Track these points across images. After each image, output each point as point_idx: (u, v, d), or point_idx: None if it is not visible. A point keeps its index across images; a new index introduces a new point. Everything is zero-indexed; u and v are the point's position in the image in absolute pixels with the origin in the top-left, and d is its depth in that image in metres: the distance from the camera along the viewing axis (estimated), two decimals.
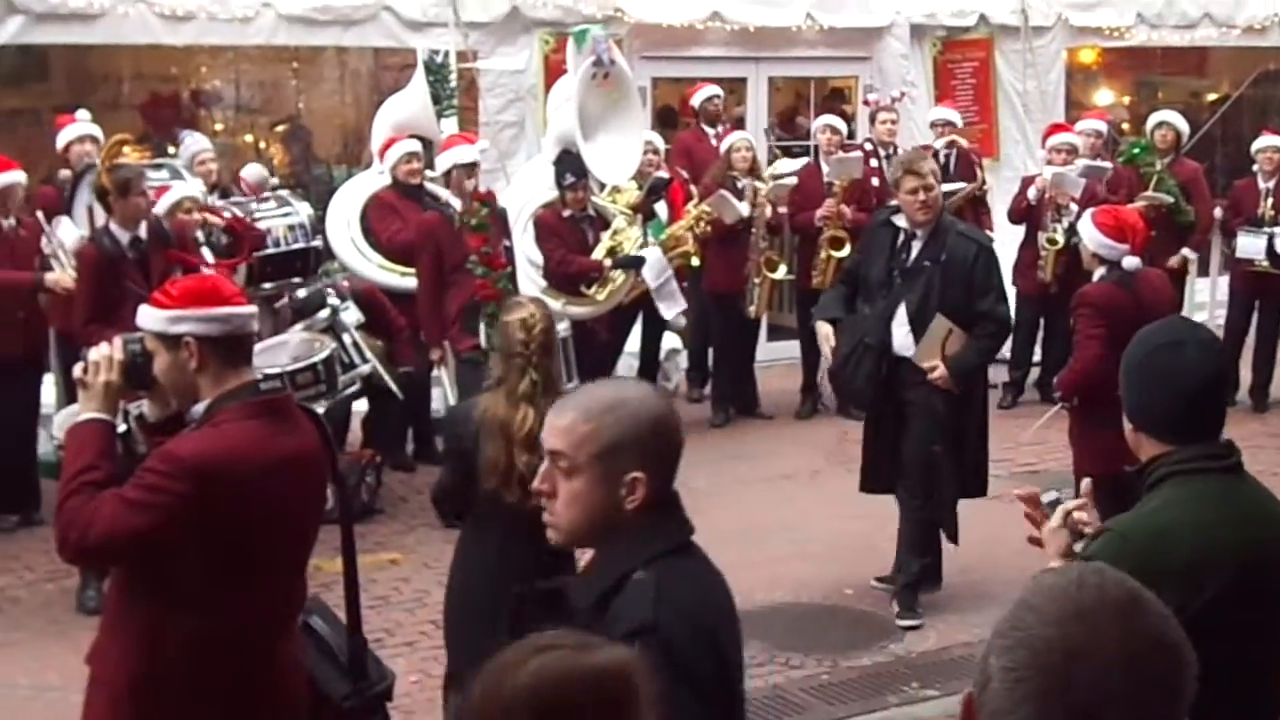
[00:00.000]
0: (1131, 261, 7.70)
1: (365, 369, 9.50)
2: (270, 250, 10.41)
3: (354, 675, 4.62)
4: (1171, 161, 13.04)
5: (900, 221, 8.17)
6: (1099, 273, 7.82)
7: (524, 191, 11.75)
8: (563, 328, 10.53)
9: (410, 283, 10.52)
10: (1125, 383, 3.91)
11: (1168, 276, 9.60)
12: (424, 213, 10.58)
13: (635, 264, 11.29)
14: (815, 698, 7.54)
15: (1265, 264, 12.58)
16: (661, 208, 12.05)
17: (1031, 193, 12.55)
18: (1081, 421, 7.82)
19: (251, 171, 11.47)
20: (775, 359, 13.56)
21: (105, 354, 4.31)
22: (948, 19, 14.86)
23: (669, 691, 2.51)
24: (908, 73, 14.51)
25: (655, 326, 12.32)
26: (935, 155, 11.53)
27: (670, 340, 12.91)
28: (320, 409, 6.48)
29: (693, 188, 12.39)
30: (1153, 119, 13.43)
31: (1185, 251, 13.07)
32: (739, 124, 13.83)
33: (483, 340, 9.71)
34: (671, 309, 11.68)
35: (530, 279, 11.11)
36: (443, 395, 10.77)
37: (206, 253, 9.66)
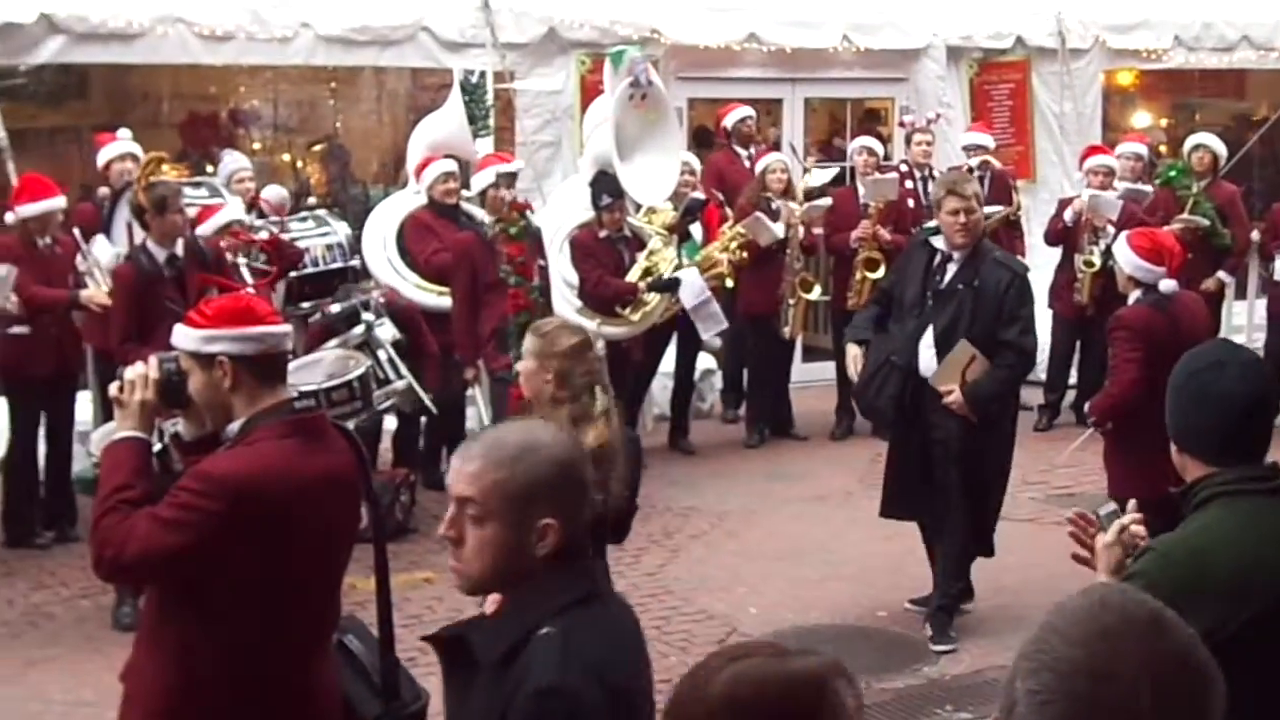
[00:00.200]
0: (1168, 285, 7.63)
1: (401, 384, 9.52)
2: (309, 270, 10.48)
3: (387, 695, 4.59)
4: (1209, 184, 12.99)
5: (939, 243, 8.10)
6: (1134, 295, 7.74)
7: (560, 212, 11.77)
8: (598, 348, 10.57)
9: (447, 302, 10.55)
10: (1170, 405, 3.92)
11: (1203, 300, 9.56)
12: (460, 232, 10.61)
13: (670, 287, 11.29)
14: None
15: None
16: (696, 229, 12.06)
17: (1068, 215, 12.51)
18: (1115, 445, 7.77)
19: (272, 192, 11.52)
20: (810, 380, 13.54)
21: (141, 373, 4.33)
22: (984, 41, 14.84)
23: None
24: (944, 94, 14.50)
25: (690, 347, 12.32)
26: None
27: (705, 361, 12.91)
28: (352, 425, 6.47)
29: (727, 209, 12.39)
30: (1190, 141, 13.39)
31: (1221, 274, 13.02)
32: (776, 145, 13.83)
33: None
34: (710, 329, 11.68)
35: (565, 299, 11.12)
36: (477, 414, 10.79)
37: (245, 272, 9.75)
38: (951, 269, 8.03)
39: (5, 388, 9.83)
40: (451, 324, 10.37)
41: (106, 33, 11.45)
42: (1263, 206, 14.56)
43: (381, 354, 9.50)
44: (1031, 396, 12.05)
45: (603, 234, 11.20)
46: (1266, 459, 3.84)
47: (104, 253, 9.57)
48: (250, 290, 8.82)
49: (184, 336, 4.36)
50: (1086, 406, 8.45)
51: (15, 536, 9.77)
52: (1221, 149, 13.23)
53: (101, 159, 10.51)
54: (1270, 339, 12.94)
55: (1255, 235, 13.27)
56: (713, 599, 8.98)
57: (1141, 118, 17.03)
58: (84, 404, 10.08)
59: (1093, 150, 13.14)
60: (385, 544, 4.85)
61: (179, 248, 8.74)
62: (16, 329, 9.51)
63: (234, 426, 4.29)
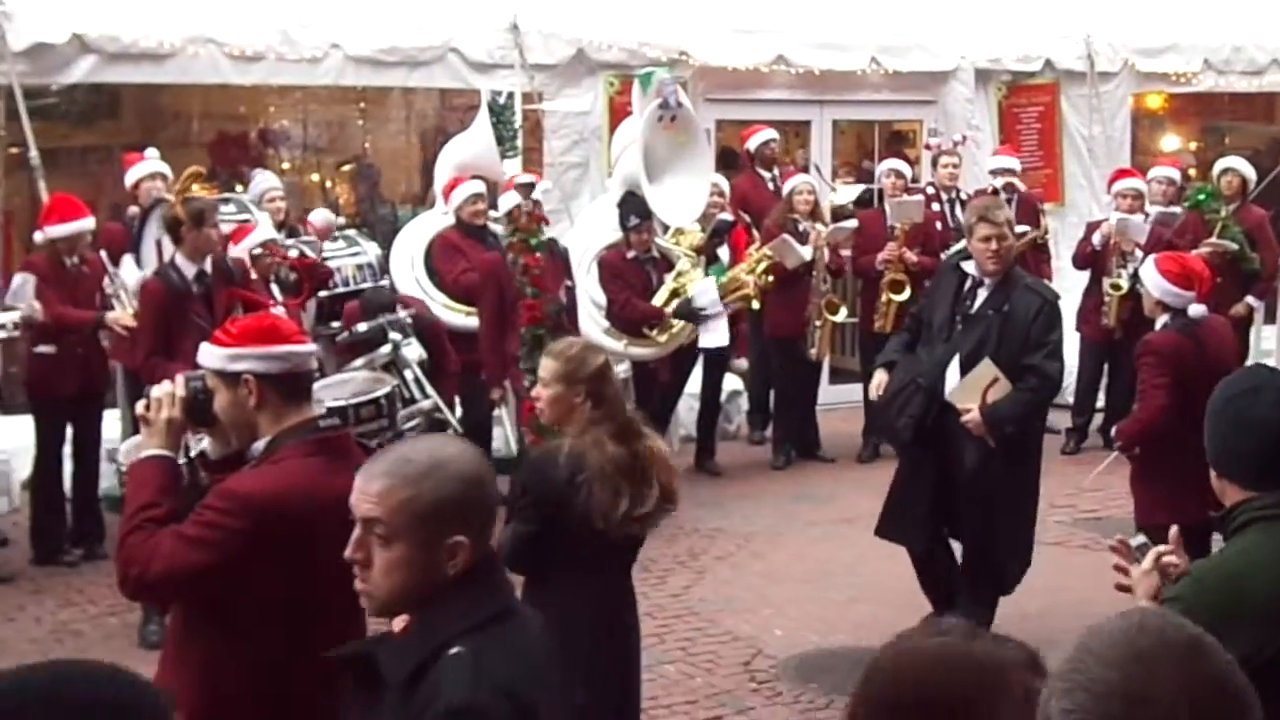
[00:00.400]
0: (1197, 309, 7.58)
1: (426, 404, 9.54)
2: (339, 289, 10.53)
3: None
4: (1237, 208, 12.93)
5: (969, 267, 8.06)
6: (1162, 320, 7.69)
7: (588, 232, 11.79)
8: (623, 369, 10.59)
9: (474, 322, 10.57)
10: (1208, 429, 3.93)
11: (1231, 325, 9.52)
12: (487, 252, 10.64)
13: (695, 315, 11.26)
14: None
15: None
16: (723, 250, 12.07)
17: (1096, 238, 12.49)
18: (1143, 469, 7.72)
19: (319, 216, 11.55)
20: (837, 402, 13.51)
21: (168, 390, 4.35)
22: (1013, 63, 14.84)
23: None
24: (973, 117, 14.50)
25: (716, 369, 12.31)
26: (995, 195, 11.51)
27: (732, 382, 12.90)
28: (375, 444, 6.48)
29: (754, 231, 12.40)
30: (1219, 165, 13.33)
31: (1250, 299, 12.96)
32: (805, 168, 13.83)
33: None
34: (711, 339, 11.55)
35: (593, 319, 11.14)
36: (504, 434, 10.80)
37: (275, 290, 9.80)
38: (982, 294, 7.97)
39: (32, 406, 9.87)
40: (479, 344, 10.40)
41: (138, 53, 11.53)
42: None
43: (408, 373, 9.52)
44: (1059, 420, 12.02)
45: (631, 255, 11.22)
46: None
47: (131, 275, 9.61)
48: (279, 308, 8.88)
49: (209, 355, 4.38)
50: (1114, 431, 8.41)
51: (43, 554, 9.80)
52: (1251, 173, 13.17)
53: (130, 178, 10.55)
54: None
55: None
56: (738, 620, 8.96)
57: (1171, 141, 16.99)
58: (111, 422, 10.12)
59: (1121, 174, 13.12)
60: None
61: (207, 264, 8.78)
62: (43, 348, 9.57)
63: (259, 445, 4.30)
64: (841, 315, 12.39)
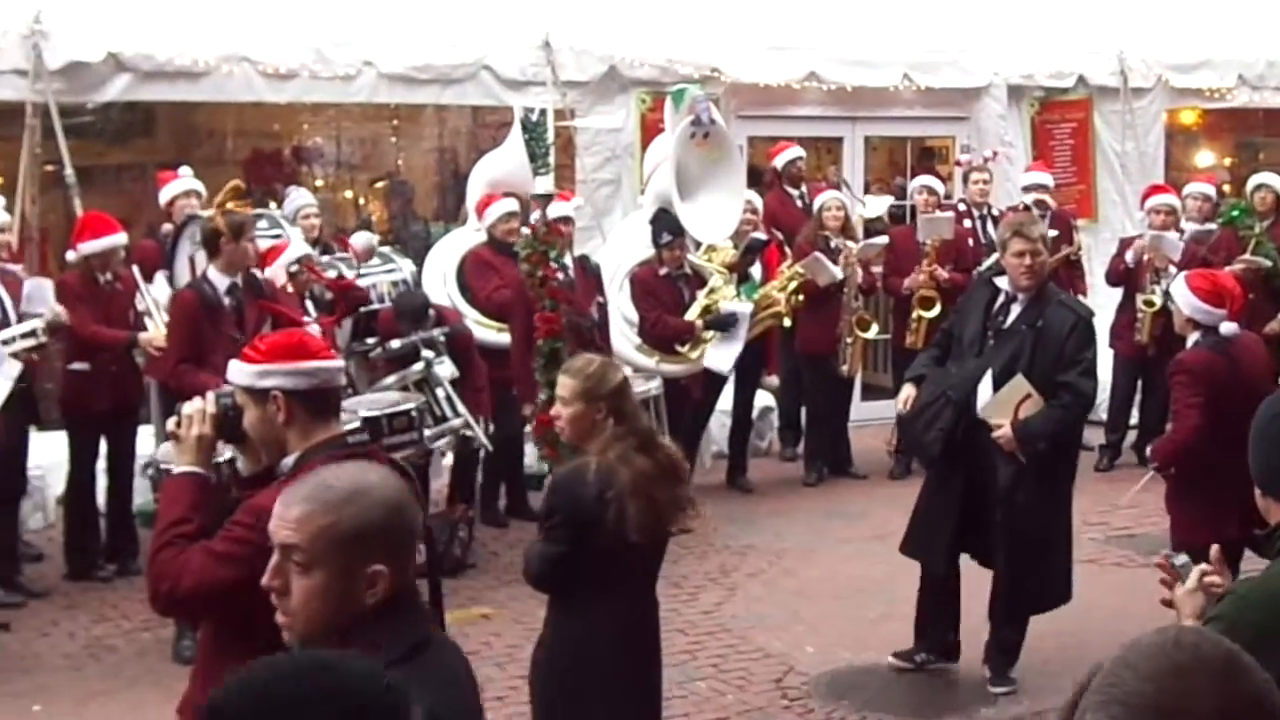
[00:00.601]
0: (1229, 327, 7.53)
1: (457, 422, 9.57)
2: (375, 306, 10.58)
3: None
4: (1271, 224, 12.88)
5: (1002, 283, 7.99)
6: (1194, 337, 7.64)
7: (620, 249, 11.79)
8: (655, 385, 10.59)
9: (506, 338, 10.59)
10: (1253, 448, 3.91)
11: (1264, 342, 9.46)
12: (519, 269, 10.66)
13: (726, 324, 11.27)
14: None
15: None
16: (755, 268, 12.06)
17: (1129, 256, 12.44)
18: (1178, 488, 7.67)
19: (360, 239, 11.56)
20: (870, 419, 13.48)
21: (198, 407, 4.37)
22: (1046, 80, 14.82)
23: None
24: (1005, 133, 14.48)
25: (748, 385, 12.30)
26: (1028, 211, 11.48)
27: (763, 398, 12.89)
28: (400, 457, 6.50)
29: (787, 249, 12.40)
30: (1252, 181, 13.28)
31: None
32: (838, 185, 13.81)
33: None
34: (719, 360, 11.49)
35: (624, 336, 11.14)
36: (535, 450, 10.81)
37: (309, 305, 9.85)
38: (1015, 310, 7.90)
39: (65, 422, 9.91)
40: (510, 360, 10.41)
41: (173, 71, 11.60)
42: None
43: (439, 391, 9.56)
44: (1092, 436, 11.98)
45: (663, 271, 11.22)
46: None
47: (163, 292, 9.66)
48: (310, 323, 8.91)
49: (238, 372, 4.39)
50: (1149, 450, 8.35)
51: (77, 569, 9.85)
52: None
53: (164, 196, 10.62)
54: None
55: None
56: (770, 637, 8.95)
57: (1205, 157, 16.95)
58: (145, 438, 10.17)
59: (1154, 189, 13.08)
60: (440, 579, 4.84)
61: (239, 278, 8.82)
62: (76, 365, 9.64)
63: (288, 461, 4.31)
64: (873, 332, 12.39)
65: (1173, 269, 11.80)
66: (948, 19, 14.35)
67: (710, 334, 11.26)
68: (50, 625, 9.12)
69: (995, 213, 12.70)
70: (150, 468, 8.15)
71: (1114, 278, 12.73)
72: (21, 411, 9.30)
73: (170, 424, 4.43)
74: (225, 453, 4.61)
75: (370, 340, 10.34)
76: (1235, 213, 13.01)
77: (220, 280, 8.67)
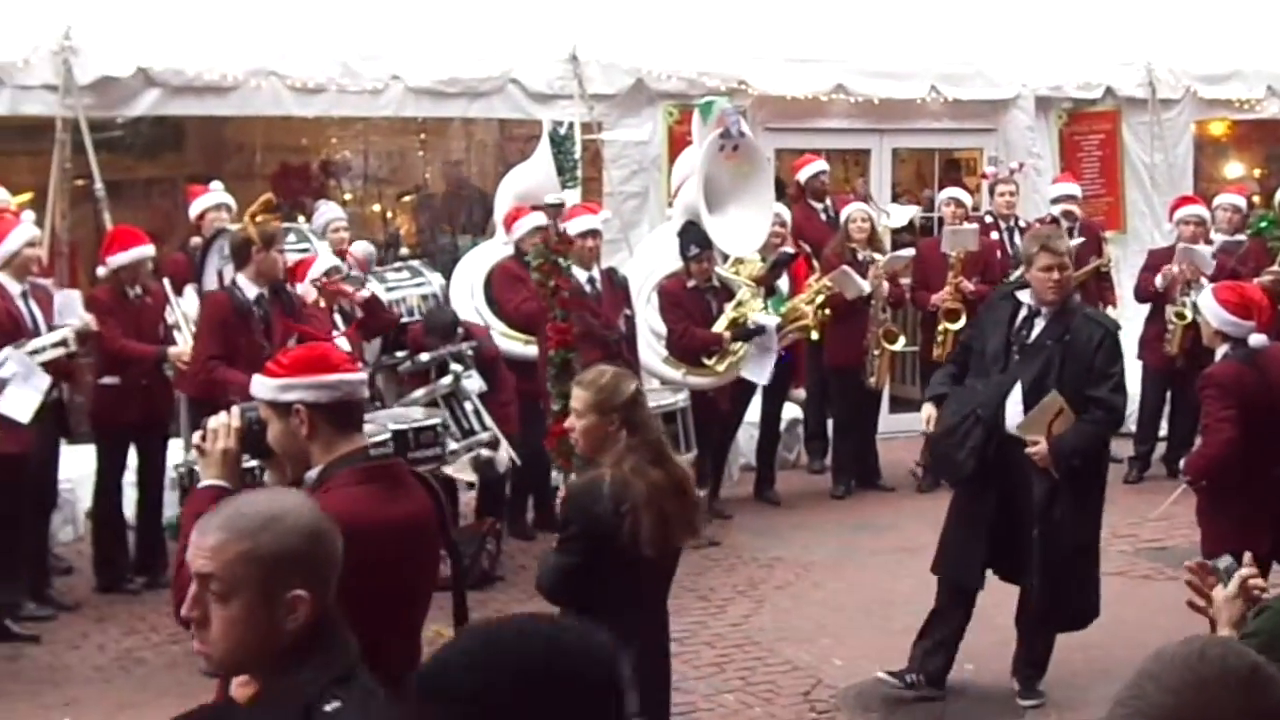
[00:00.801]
0: (1258, 339, 7.50)
1: (485, 436, 9.58)
2: (405, 319, 10.61)
3: None
4: None
5: (1025, 297, 7.92)
6: (1222, 350, 7.62)
7: (648, 262, 11.80)
8: (682, 398, 10.59)
9: (533, 351, 10.60)
10: None
11: None
12: None
13: (754, 335, 11.27)
14: None
15: None
16: (783, 281, 12.06)
17: (1159, 281, 12.31)
18: (1210, 501, 7.63)
19: (359, 248, 11.64)
20: (898, 431, 13.45)
21: (223, 422, 4.38)
22: (1074, 91, 14.77)
23: None
24: (1033, 145, 14.44)
25: (776, 397, 12.30)
26: (1055, 223, 11.47)
27: (791, 410, 12.88)
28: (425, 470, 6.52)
29: (815, 262, 12.40)
30: None
31: None
32: (865, 198, 13.80)
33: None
34: (755, 372, 11.53)
35: (652, 348, 11.15)
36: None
37: (338, 318, 9.88)
38: (1040, 324, 7.83)
39: (94, 435, 9.96)
40: (537, 372, 10.42)
41: (201, 85, 11.66)
42: None
43: (468, 405, 9.57)
44: (1122, 449, 11.94)
45: (691, 284, 11.22)
46: None
47: (193, 305, 9.71)
48: (340, 337, 8.94)
49: (261, 386, 4.40)
50: (1181, 464, 8.30)
51: (107, 582, 9.88)
52: None
53: (194, 210, 10.69)
54: None
55: None
56: (798, 650, 8.94)
57: (1234, 168, 16.88)
58: (175, 451, 10.20)
59: (1183, 201, 13.03)
60: (465, 592, 4.85)
61: (267, 290, 8.85)
62: (107, 379, 9.69)
63: (312, 474, 4.32)
64: (900, 344, 12.39)
65: (1204, 281, 11.75)
66: (975, 31, 14.32)
67: (738, 346, 11.25)
68: (80, 638, 9.15)
69: (1023, 224, 12.67)
70: (181, 465, 8.15)
71: (1143, 295, 12.63)
72: (52, 424, 9.36)
73: (196, 437, 4.44)
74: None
75: (399, 354, 10.37)
76: (1264, 224, 12.95)
77: (249, 288, 8.73)
